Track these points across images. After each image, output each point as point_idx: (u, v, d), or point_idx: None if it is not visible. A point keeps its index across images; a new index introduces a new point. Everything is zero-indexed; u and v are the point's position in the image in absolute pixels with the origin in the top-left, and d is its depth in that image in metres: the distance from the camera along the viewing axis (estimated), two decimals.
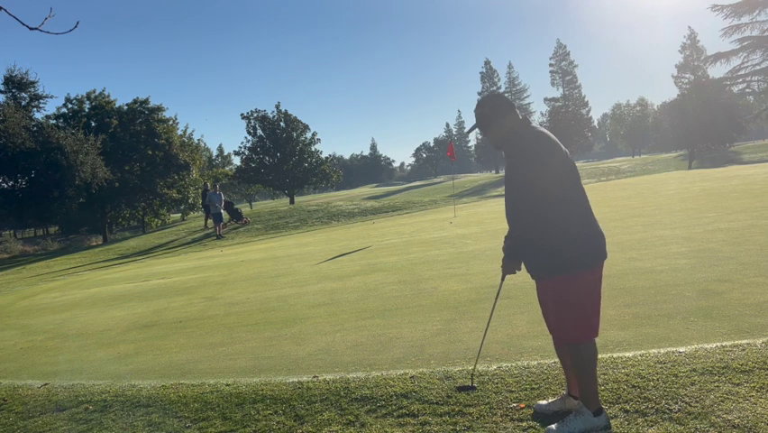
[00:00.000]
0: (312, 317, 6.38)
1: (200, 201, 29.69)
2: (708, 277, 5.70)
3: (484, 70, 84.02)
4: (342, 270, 9.58)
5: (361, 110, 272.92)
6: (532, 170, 2.86)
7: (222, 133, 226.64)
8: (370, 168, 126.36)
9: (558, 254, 2.88)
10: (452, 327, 5.14)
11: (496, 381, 3.59)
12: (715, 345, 3.73)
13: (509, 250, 3.10)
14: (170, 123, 37.74)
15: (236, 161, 58.58)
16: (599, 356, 3.52)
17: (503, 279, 3.28)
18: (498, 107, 3.06)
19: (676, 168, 41.78)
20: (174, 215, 45.09)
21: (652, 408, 3.00)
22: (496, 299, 3.55)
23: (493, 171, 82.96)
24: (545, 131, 2.97)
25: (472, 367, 3.75)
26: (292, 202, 43.98)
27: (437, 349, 4.54)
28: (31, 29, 3.29)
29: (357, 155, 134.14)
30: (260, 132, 48.68)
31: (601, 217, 3.12)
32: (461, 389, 3.46)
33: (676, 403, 3.01)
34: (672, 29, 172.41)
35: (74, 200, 28.91)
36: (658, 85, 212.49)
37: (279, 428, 3.40)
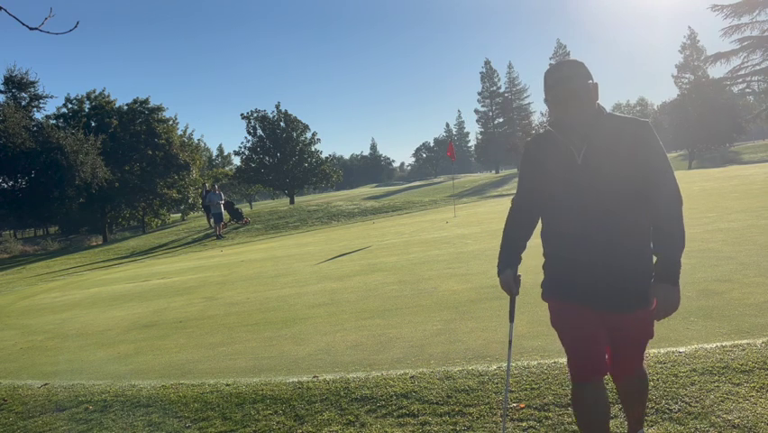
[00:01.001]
0: (312, 317, 6.38)
1: (200, 202, 29.71)
2: (708, 277, 5.70)
3: (484, 70, 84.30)
4: (342, 270, 9.58)
5: (361, 110, 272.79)
6: (667, 162, 2.27)
7: (222, 133, 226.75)
8: (370, 168, 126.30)
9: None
10: (452, 327, 5.14)
11: (496, 381, 3.59)
12: (715, 345, 3.73)
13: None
14: (170, 123, 37.76)
15: (236, 161, 58.62)
16: None
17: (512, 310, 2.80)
18: (590, 74, 2.32)
19: (676, 168, 41.18)
20: (174, 215, 45.11)
21: (652, 408, 2.99)
22: (511, 321, 2.87)
23: (493, 171, 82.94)
24: None
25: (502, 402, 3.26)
26: (292, 202, 43.98)
27: (437, 349, 4.54)
28: (31, 29, 3.29)
29: (357, 155, 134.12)
30: (260, 132, 48.69)
31: None
32: None
33: (676, 403, 3.01)
34: (672, 29, 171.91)
35: (74, 200, 28.91)
36: (658, 85, 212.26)
37: (279, 428, 3.40)
